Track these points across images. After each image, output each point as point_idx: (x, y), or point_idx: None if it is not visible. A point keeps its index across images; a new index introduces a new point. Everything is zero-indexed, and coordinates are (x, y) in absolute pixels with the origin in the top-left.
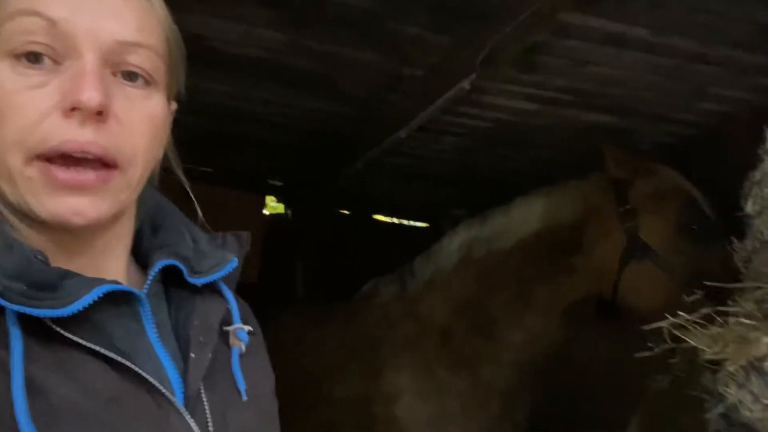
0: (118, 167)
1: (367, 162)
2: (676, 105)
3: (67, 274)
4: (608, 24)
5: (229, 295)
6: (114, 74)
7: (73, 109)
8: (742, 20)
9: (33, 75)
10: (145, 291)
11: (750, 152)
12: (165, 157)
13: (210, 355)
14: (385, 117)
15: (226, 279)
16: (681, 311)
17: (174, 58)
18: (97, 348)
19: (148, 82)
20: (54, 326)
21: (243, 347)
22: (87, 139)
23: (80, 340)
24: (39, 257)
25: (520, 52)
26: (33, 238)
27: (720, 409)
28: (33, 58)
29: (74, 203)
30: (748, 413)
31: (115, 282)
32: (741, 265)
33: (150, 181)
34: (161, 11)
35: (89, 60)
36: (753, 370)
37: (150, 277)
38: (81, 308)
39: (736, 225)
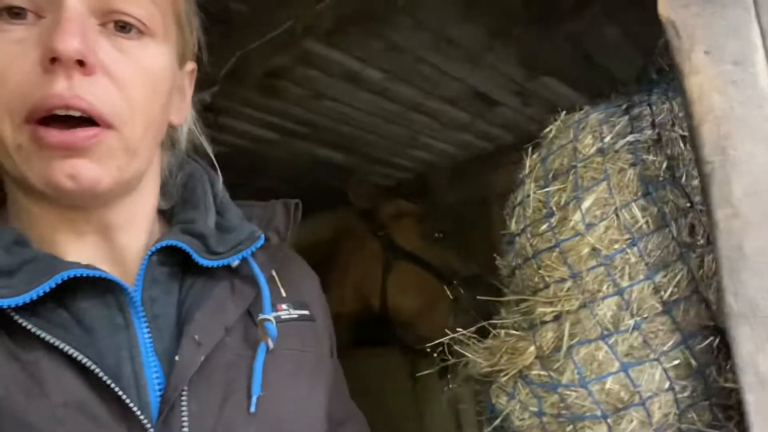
0: (113, 127)
1: None
2: (394, 149)
3: (34, 258)
4: (348, 60)
5: (261, 277)
6: (104, 25)
7: (53, 61)
8: (455, 79)
9: (13, 31)
10: (139, 276)
11: (451, 195)
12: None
13: (202, 358)
14: None
15: (261, 257)
16: (443, 312)
17: (181, 10)
18: (56, 343)
19: (142, 32)
20: (14, 316)
21: (270, 344)
22: (70, 93)
23: (37, 331)
24: None
25: (263, 73)
26: (42, 217)
27: (494, 421)
28: (16, 14)
29: (67, 166)
30: (518, 422)
31: (89, 267)
32: (506, 280)
33: (176, 150)
34: None
35: (69, 6)
36: (520, 379)
37: (144, 261)
38: (36, 297)
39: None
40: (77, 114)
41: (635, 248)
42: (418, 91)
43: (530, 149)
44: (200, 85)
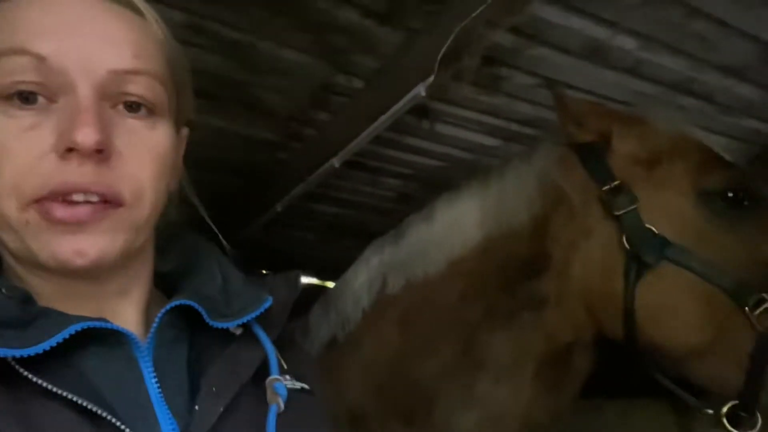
0: (124, 205)
1: (287, 205)
2: None
3: (45, 313)
4: (590, 26)
5: (266, 342)
6: (114, 106)
7: (70, 150)
8: (743, 36)
9: (25, 116)
10: (151, 333)
11: None
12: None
13: (221, 408)
14: (313, 142)
15: (265, 323)
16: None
17: (179, 81)
18: (68, 395)
19: (152, 111)
20: (20, 369)
21: (281, 404)
22: (88, 180)
23: (47, 385)
24: (7, 293)
25: (482, 59)
26: (40, 287)
27: None
28: (25, 98)
29: (74, 242)
30: None
31: (101, 319)
32: None
33: (170, 215)
34: (159, 31)
35: (84, 94)
36: None
37: (157, 320)
38: (48, 348)
39: None
40: (95, 199)
41: None
42: (687, 60)
43: None
44: (413, 78)
